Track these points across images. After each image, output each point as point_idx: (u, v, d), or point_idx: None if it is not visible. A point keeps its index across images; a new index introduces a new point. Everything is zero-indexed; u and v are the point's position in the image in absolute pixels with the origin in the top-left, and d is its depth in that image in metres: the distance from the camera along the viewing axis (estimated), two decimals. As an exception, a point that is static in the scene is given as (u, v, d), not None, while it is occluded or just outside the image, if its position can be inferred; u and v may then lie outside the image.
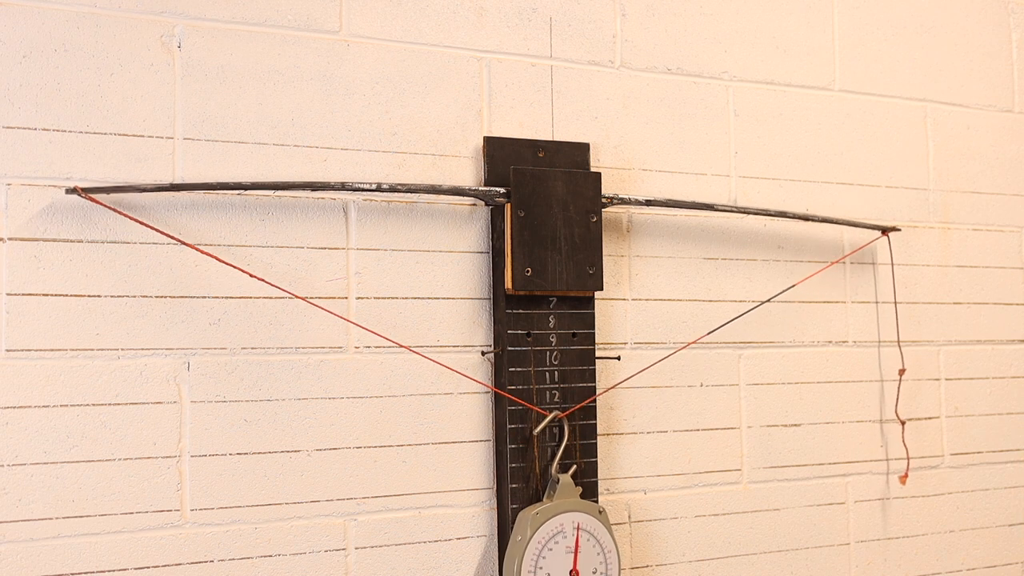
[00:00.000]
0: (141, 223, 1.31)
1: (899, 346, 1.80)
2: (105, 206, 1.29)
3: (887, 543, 1.79)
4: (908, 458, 1.79)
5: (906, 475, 1.78)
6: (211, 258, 1.35)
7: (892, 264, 1.80)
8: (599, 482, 1.55)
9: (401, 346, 1.45)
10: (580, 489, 1.48)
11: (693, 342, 1.64)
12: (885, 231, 1.77)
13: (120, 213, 1.30)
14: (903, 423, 1.78)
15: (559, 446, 1.49)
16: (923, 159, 1.87)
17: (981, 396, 1.89)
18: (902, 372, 1.79)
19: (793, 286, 1.71)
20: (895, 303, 1.80)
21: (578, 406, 1.51)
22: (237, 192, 1.37)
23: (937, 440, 1.85)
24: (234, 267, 1.36)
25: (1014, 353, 1.93)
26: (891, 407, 1.80)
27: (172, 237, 1.33)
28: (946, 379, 1.86)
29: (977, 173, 1.91)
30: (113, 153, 1.32)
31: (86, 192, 1.27)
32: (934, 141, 1.88)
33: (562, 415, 1.49)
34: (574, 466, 1.50)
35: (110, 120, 1.32)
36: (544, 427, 1.48)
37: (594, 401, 1.53)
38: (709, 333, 1.65)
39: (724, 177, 1.70)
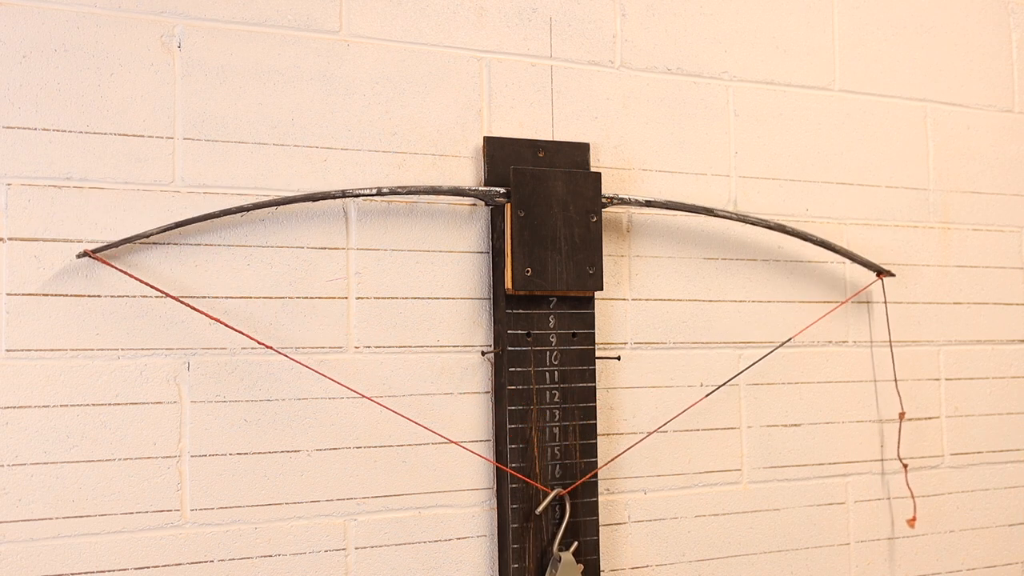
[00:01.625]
0: (144, 283, 1.31)
1: (897, 388, 1.79)
2: (113, 267, 1.30)
3: (887, 543, 1.79)
4: (914, 499, 1.78)
5: (914, 518, 1.78)
6: (190, 308, 1.35)
7: (886, 302, 1.79)
8: (599, 482, 1.55)
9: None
10: (582, 567, 1.48)
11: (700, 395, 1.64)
12: (880, 274, 1.76)
13: (126, 273, 1.31)
14: (905, 466, 1.78)
15: (560, 525, 1.49)
16: (923, 159, 1.87)
17: (981, 396, 1.89)
18: (902, 416, 1.78)
19: (800, 333, 1.71)
20: (891, 343, 1.80)
21: (578, 482, 1.50)
22: (237, 193, 1.37)
23: (937, 440, 1.85)
24: (208, 315, 1.36)
25: (1014, 353, 1.93)
26: (890, 407, 1.79)
27: (167, 295, 1.33)
28: (946, 379, 1.86)
29: (977, 173, 1.91)
30: (113, 153, 1.32)
31: (94, 253, 1.28)
32: (934, 141, 1.88)
33: (564, 492, 1.49)
34: (576, 543, 1.49)
35: (110, 120, 1.32)
36: (545, 507, 1.47)
37: (595, 476, 1.52)
38: (729, 380, 1.65)
39: (724, 177, 1.70)
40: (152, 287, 1.32)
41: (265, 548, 1.37)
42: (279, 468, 1.39)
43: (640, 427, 1.61)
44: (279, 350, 1.38)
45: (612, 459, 1.57)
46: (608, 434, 1.58)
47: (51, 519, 1.27)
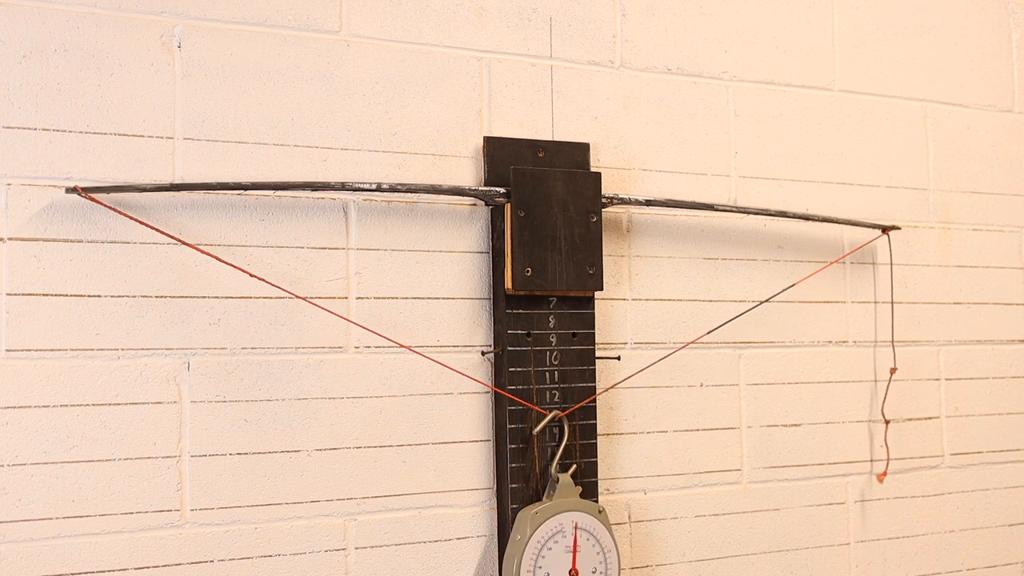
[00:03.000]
0: (141, 222, 1.31)
1: (893, 346, 1.80)
2: (105, 206, 1.29)
3: (887, 543, 1.79)
4: (888, 458, 1.78)
5: (885, 473, 1.77)
6: (211, 257, 1.35)
7: (891, 264, 1.80)
8: (599, 482, 1.55)
9: (402, 346, 1.45)
10: (580, 489, 1.48)
11: (692, 342, 1.64)
12: (885, 230, 1.77)
13: (120, 213, 1.30)
14: (887, 422, 1.78)
15: (559, 446, 1.49)
16: (923, 159, 1.87)
17: (981, 396, 1.89)
18: (893, 371, 1.79)
19: (793, 285, 1.71)
20: (892, 303, 1.80)
21: (577, 405, 1.51)
22: (237, 192, 1.37)
23: (937, 440, 1.85)
24: (234, 266, 1.36)
25: (1014, 353, 1.93)
26: (890, 408, 1.80)
27: (172, 237, 1.33)
28: (946, 379, 1.86)
29: (977, 173, 1.91)
30: (113, 153, 1.32)
31: (86, 191, 1.27)
32: (934, 141, 1.88)
33: (562, 414, 1.49)
34: (574, 466, 1.50)
35: (110, 120, 1.32)
36: (544, 426, 1.48)
37: (594, 401, 1.53)
38: (708, 333, 1.65)
39: (724, 177, 1.70)
40: (163, 232, 1.32)
41: (265, 548, 1.37)
42: (279, 468, 1.39)
43: (640, 427, 1.61)
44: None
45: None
46: (608, 434, 1.58)
47: (51, 519, 1.27)
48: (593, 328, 1.54)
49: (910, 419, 1.82)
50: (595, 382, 1.54)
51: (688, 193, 1.66)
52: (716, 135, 1.69)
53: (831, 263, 1.75)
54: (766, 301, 1.69)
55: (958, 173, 1.90)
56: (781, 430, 1.72)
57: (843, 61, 1.81)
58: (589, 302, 1.54)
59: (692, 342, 1.64)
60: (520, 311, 1.49)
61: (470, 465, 1.49)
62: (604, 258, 1.58)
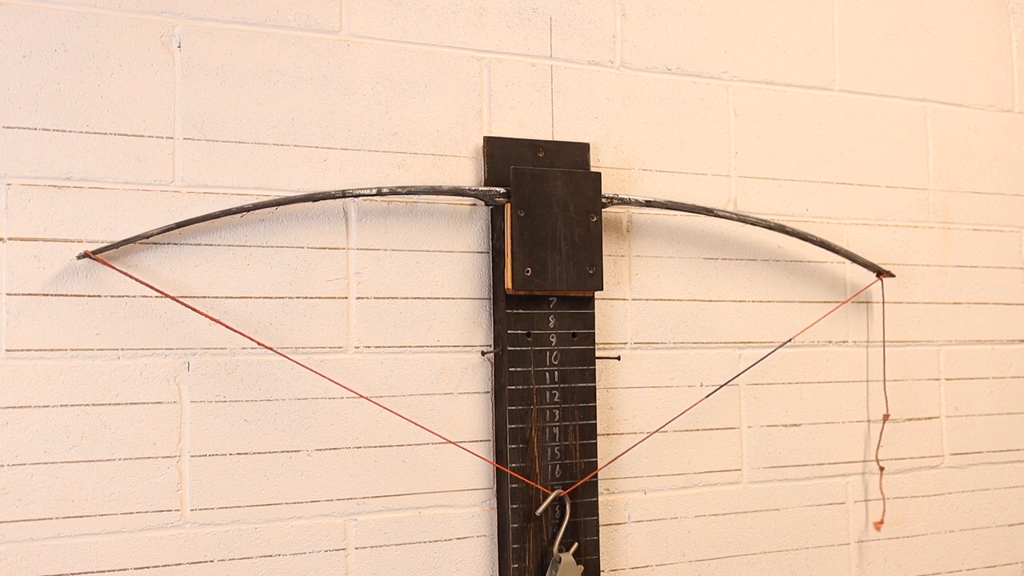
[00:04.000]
0: (143, 283, 1.31)
1: (884, 390, 1.78)
2: (111, 267, 1.30)
3: (887, 543, 1.79)
4: (884, 502, 1.77)
5: (881, 521, 1.77)
6: (191, 309, 1.35)
7: (883, 302, 1.79)
8: (599, 482, 1.55)
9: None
10: (582, 568, 1.48)
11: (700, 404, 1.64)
12: (880, 274, 1.76)
13: (125, 274, 1.31)
14: (882, 469, 1.77)
15: (560, 526, 1.49)
16: (923, 159, 1.86)
17: (981, 396, 1.89)
18: (886, 418, 1.78)
19: (801, 332, 1.71)
20: (883, 343, 1.80)
21: (579, 482, 1.50)
22: (238, 194, 1.37)
23: (937, 440, 1.85)
24: (204, 315, 1.36)
25: (1014, 353, 1.93)
26: (889, 407, 1.79)
27: (166, 294, 1.33)
28: (946, 379, 1.86)
29: (977, 173, 1.91)
30: (113, 153, 1.32)
31: (95, 254, 1.28)
32: (934, 141, 1.88)
33: (563, 493, 1.49)
34: (576, 544, 1.49)
35: (110, 120, 1.32)
36: (546, 507, 1.48)
37: (596, 476, 1.53)
38: (735, 375, 1.64)
39: (724, 177, 1.70)
40: (152, 287, 1.32)
41: (265, 548, 1.37)
42: (279, 468, 1.39)
43: (640, 427, 1.61)
44: (278, 350, 1.39)
45: (612, 459, 1.57)
46: (608, 434, 1.58)
47: (51, 519, 1.27)
48: (593, 328, 1.54)
49: (910, 419, 1.82)
50: (595, 382, 1.54)
51: (688, 193, 1.66)
52: (716, 135, 1.69)
53: (831, 311, 1.74)
54: (782, 345, 1.69)
55: (958, 173, 1.90)
56: (781, 430, 1.72)
57: (843, 61, 1.81)
58: (589, 302, 1.54)
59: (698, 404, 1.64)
60: (520, 311, 1.49)
61: (470, 465, 1.49)
62: (604, 258, 1.57)
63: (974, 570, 1.88)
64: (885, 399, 1.78)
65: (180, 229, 1.34)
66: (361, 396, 1.42)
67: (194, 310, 1.33)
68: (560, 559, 1.46)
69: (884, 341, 1.79)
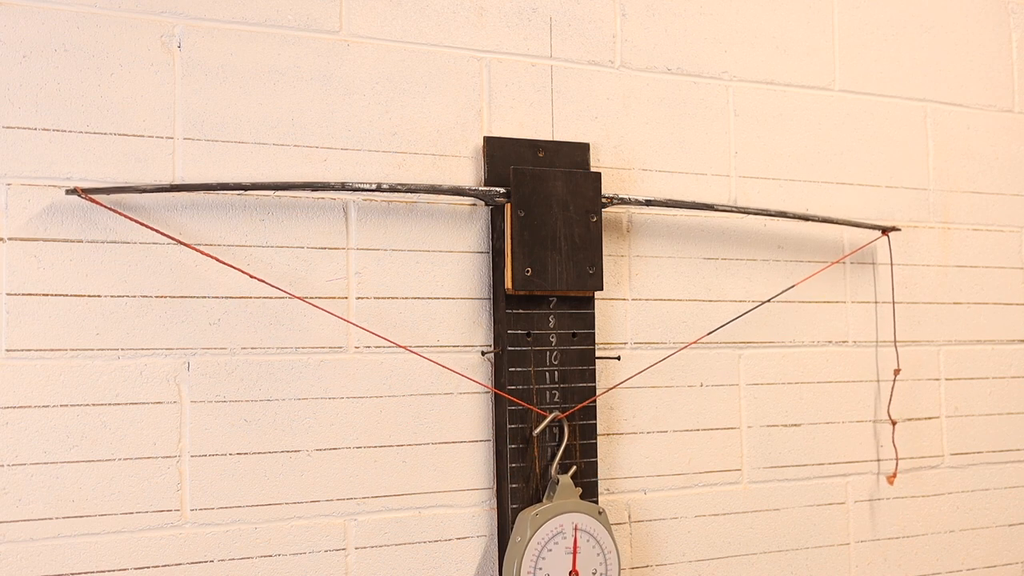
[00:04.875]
0: (141, 223, 1.31)
1: (895, 346, 1.80)
2: (105, 207, 1.29)
3: (887, 543, 1.79)
4: (897, 459, 1.79)
5: (895, 475, 1.77)
6: (210, 258, 1.35)
7: (891, 264, 1.80)
8: (599, 482, 1.55)
9: (400, 346, 1.45)
10: (580, 490, 1.48)
11: (693, 342, 1.64)
12: (885, 231, 1.77)
13: (119, 214, 1.30)
14: (894, 423, 1.78)
15: (559, 447, 1.49)
16: (923, 159, 1.87)
17: (981, 396, 1.89)
18: (897, 372, 1.79)
19: (793, 286, 1.71)
20: (893, 303, 1.80)
21: (578, 407, 1.51)
22: (237, 192, 1.37)
23: (937, 440, 1.85)
24: (233, 267, 1.36)
25: (1014, 353, 1.93)
26: (891, 408, 1.79)
27: (171, 238, 1.33)
28: (946, 379, 1.86)
29: (977, 173, 1.91)
30: (113, 153, 1.32)
31: (86, 193, 1.27)
32: (934, 141, 1.88)
33: (562, 416, 1.49)
34: (574, 467, 1.50)
35: (110, 120, 1.32)
36: (544, 428, 1.48)
37: (594, 401, 1.53)
38: (709, 334, 1.65)
39: (724, 177, 1.70)
40: (163, 234, 1.32)
41: (265, 548, 1.37)
42: (279, 468, 1.39)
43: (640, 427, 1.61)
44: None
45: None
46: (608, 434, 1.58)
47: (51, 519, 1.27)
48: (593, 328, 1.54)
49: (910, 419, 1.82)
50: (595, 382, 1.54)
51: (688, 193, 1.66)
52: (716, 135, 1.69)
53: (831, 264, 1.75)
54: (767, 301, 1.69)
55: (958, 173, 1.90)
56: (781, 430, 1.72)
57: (843, 61, 1.81)
58: (589, 302, 1.54)
59: (692, 343, 1.64)
60: (520, 311, 1.49)
61: (470, 465, 1.49)
62: (604, 258, 1.58)
63: (974, 570, 1.88)
64: (896, 355, 1.79)
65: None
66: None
67: (222, 262, 1.33)
68: (558, 480, 1.46)
69: (893, 301, 1.79)
